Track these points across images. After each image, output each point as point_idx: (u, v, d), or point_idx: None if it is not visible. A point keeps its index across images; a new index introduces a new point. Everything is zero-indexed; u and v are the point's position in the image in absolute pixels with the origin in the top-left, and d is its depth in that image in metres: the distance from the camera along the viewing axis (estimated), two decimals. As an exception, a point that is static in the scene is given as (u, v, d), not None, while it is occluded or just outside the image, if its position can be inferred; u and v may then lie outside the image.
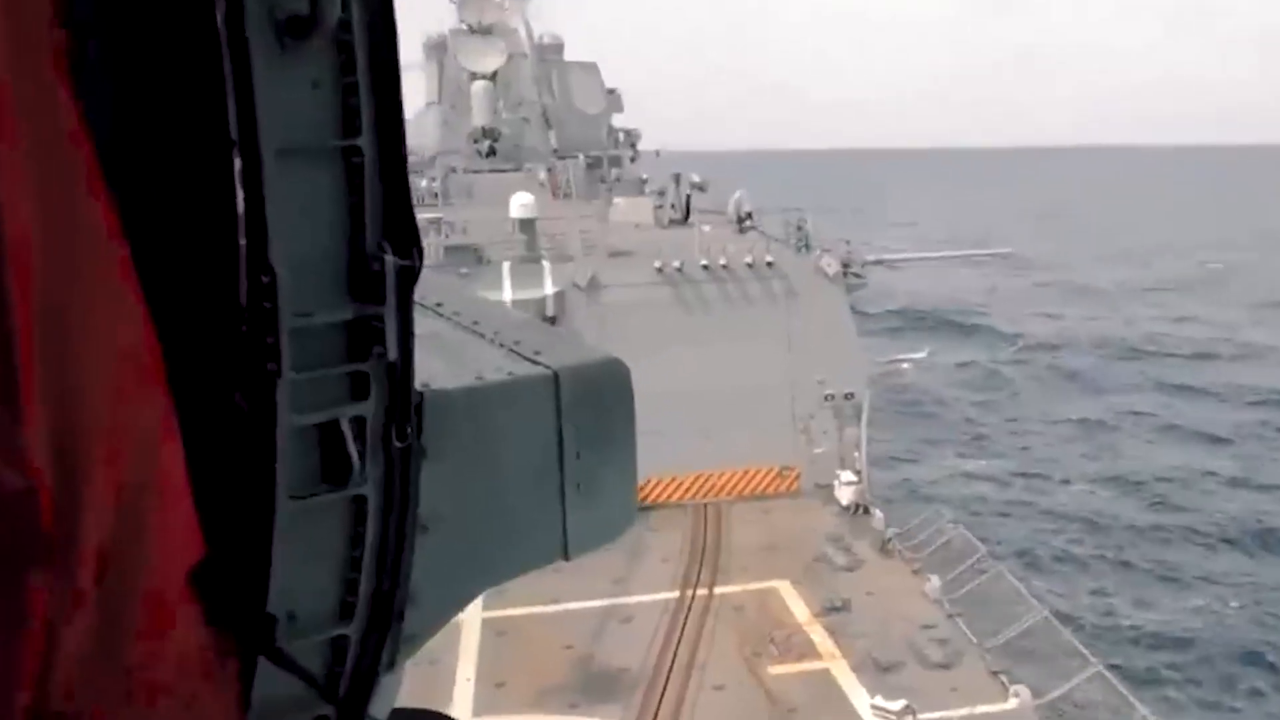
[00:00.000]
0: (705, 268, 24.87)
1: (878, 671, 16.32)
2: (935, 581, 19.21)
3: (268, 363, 1.59)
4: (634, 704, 15.66)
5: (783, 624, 18.10)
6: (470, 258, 25.04)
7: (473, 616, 19.04)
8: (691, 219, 31.98)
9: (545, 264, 24.90)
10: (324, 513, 1.77)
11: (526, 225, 25.43)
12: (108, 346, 1.43)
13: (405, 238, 1.76)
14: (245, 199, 1.53)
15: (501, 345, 2.42)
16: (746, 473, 24.46)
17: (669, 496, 24.14)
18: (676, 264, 24.75)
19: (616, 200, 35.42)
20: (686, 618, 18.37)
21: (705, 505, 23.78)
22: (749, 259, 25.00)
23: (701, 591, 19.45)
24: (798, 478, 24.59)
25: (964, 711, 14.93)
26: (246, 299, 1.55)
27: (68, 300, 1.38)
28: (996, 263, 77.17)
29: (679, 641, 17.50)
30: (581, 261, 25.08)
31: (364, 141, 1.67)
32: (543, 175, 35.94)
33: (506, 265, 24.71)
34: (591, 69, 46.79)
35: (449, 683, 16.79)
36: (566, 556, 2.39)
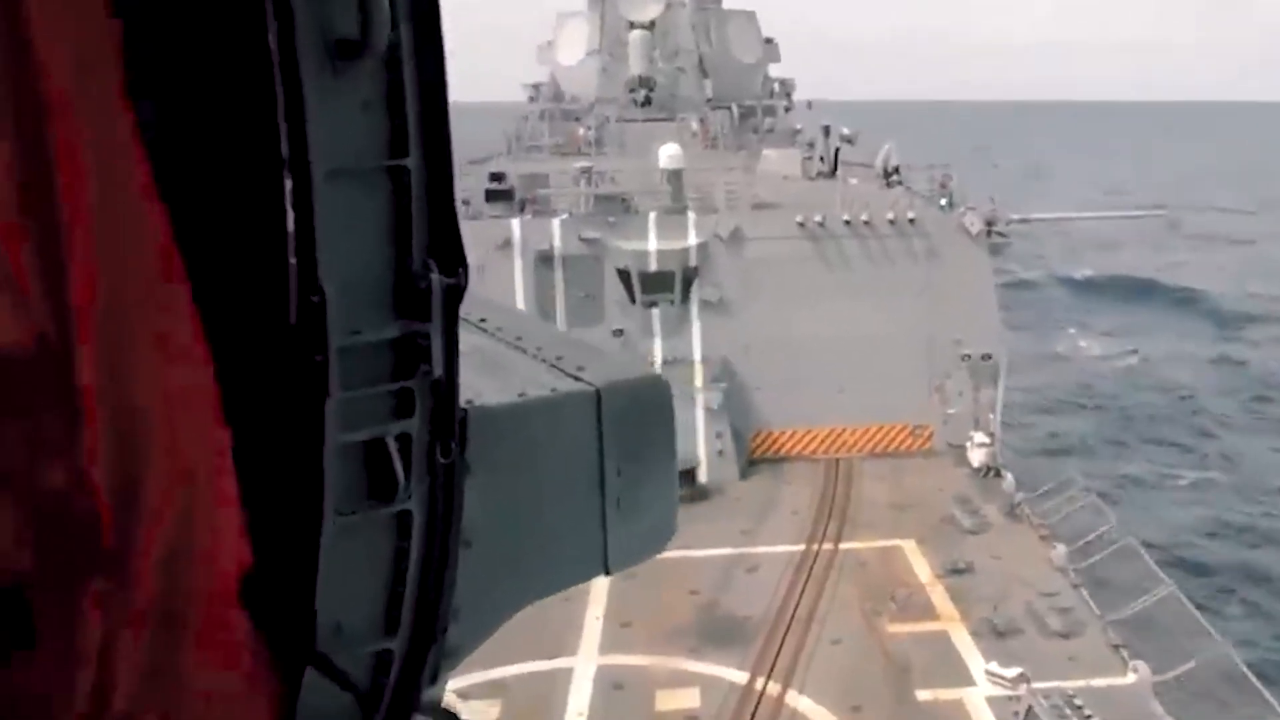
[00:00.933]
0: (847, 223, 24.68)
1: (995, 637, 16.27)
2: (1061, 549, 18.98)
3: (316, 381, 1.60)
4: (752, 652, 15.94)
5: (905, 583, 18.14)
6: (618, 207, 25.32)
7: (604, 558, 19.57)
8: (839, 172, 31.72)
9: (690, 215, 25.01)
10: (370, 528, 1.78)
11: (673, 176, 25.54)
12: (164, 363, 1.45)
13: (451, 256, 1.76)
14: (295, 218, 1.54)
15: (544, 361, 2.42)
16: (880, 429, 24.40)
17: (802, 450, 24.25)
18: (819, 218, 24.62)
19: (766, 152, 35.24)
20: (810, 571, 18.54)
21: (837, 460, 23.83)
22: (891, 215, 24.73)
23: (827, 546, 19.58)
24: (930, 437, 24.43)
25: (1080, 683, 14.80)
26: (296, 317, 1.56)
27: (128, 316, 1.41)
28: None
29: (801, 594, 17.70)
30: (725, 213, 25.13)
31: (412, 161, 1.68)
32: (695, 125, 35.92)
33: (652, 216, 24.90)
34: (749, 18, 46.37)
35: (579, 621, 17.31)
36: (607, 571, 2.39)
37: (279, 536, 1.61)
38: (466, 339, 1.92)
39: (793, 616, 16.93)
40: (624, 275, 24.36)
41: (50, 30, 1.33)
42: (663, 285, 24.41)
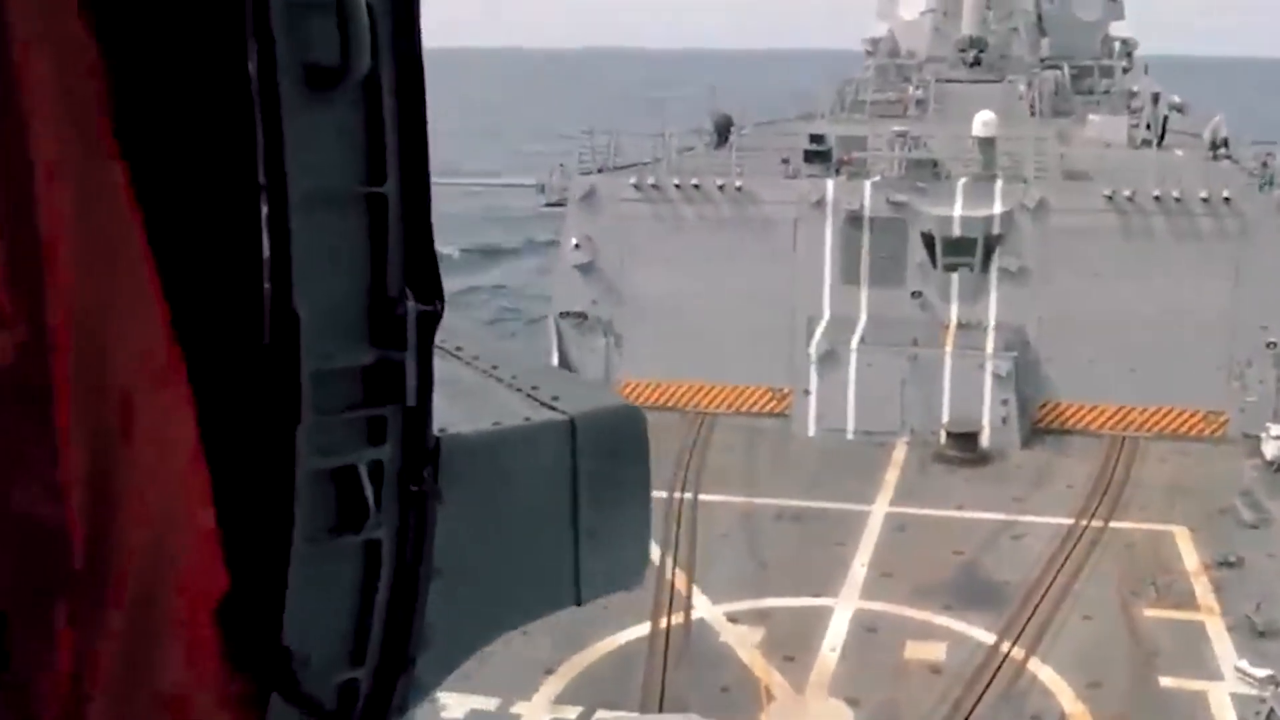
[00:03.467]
0: (1157, 199, 23.74)
1: (1253, 635, 15.89)
2: (1343, 557, 18.11)
3: (289, 406, 1.56)
4: (1003, 617, 16.28)
5: (1168, 569, 17.85)
6: (928, 173, 25.37)
7: (878, 510, 20.25)
8: (1166, 142, 30.30)
9: (998, 183, 24.74)
10: (339, 556, 1.73)
11: (985, 144, 25.24)
12: (141, 383, 1.41)
13: (428, 284, 1.73)
14: (271, 244, 1.50)
15: (519, 390, 2.36)
16: (1170, 411, 23.62)
17: (1087, 424, 23.86)
18: (1128, 193, 23.79)
19: (1092, 117, 33.90)
20: (1075, 545, 18.52)
21: (1122, 438, 23.31)
22: (1204, 193, 23.58)
23: (1096, 523, 19.40)
24: (1224, 424, 23.46)
25: (1332, 693, 14.38)
26: (269, 341, 1.52)
27: (106, 333, 1.37)
28: None
29: (1061, 567, 17.75)
30: (1034, 183, 24.72)
31: (389, 189, 1.65)
32: (1022, 88, 34.94)
33: (961, 182, 24.82)
34: (1096, -29, 44.30)
35: (846, 564, 18.14)
36: (579, 602, 2.35)
37: (251, 561, 1.56)
38: (441, 367, 1.88)
39: (1049, 588, 17.07)
40: (927, 239, 24.47)
41: (30, 44, 1.29)
42: (964, 251, 24.36)
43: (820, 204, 24.73)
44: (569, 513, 2.25)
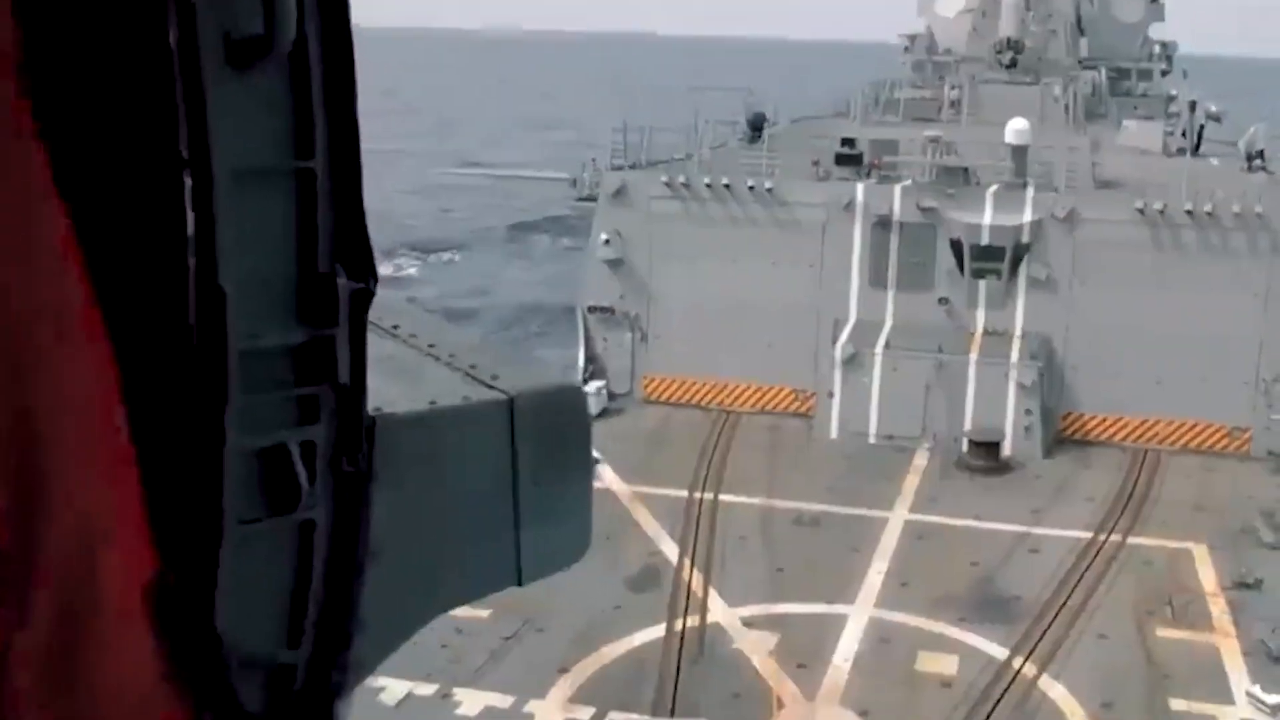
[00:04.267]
0: (1189, 213, 23.40)
1: (1269, 661, 15.70)
2: (1363, 582, 17.86)
3: (215, 385, 1.52)
4: (1016, 632, 16.16)
5: (1185, 589, 17.66)
6: (959, 178, 25.13)
7: (896, 517, 20.14)
8: (1202, 150, 29.90)
9: (1029, 191, 24.47)
10: (271, 538, 1.69)
11: (1017, 152, 24.96)
12: (64, 363, 1.37)
13: (360, 260, 1.69)
14: (195, 220, 1.46)
15: (457, 369, 2.32)
16: (1194, 426, 23.35)
17: (1110, 436, 23.63)
18: (1159, 205, 23.47)
19: (1126, 123, 33.55)
20: (1092, 561, 18.37)
21: (1145, 451, 23.07)
22: (1237, 208, 23.22)
23: (1114, 538, 19.22)
24: (1249, 441, 23.18)
25: (1344, 723, 14.22)
26: (195, 319, 1.48)
27: (26, 313, 1.32)
28: None
29: (1077, 583, 17.61)
30: (1064, 193, 24.43)
31: (318, 164, 1.61)
32: (1058, 91, 34.55)
33: (991, 189, 24.57)
34: (1137, -28, 43.75)
35: (862, 572, 18.05)
36: (520, 583, 2.32)
37: (181, 546, 1.52)
38: (377, 345, 1.84)
39: (1064, 603, 16.94)
40: (956, 246, 24.24)
41: None
42: (992, 259, 24.13)
43: (849, 207, 24.54)
44: (509, 492, 2.21)
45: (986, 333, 24.00)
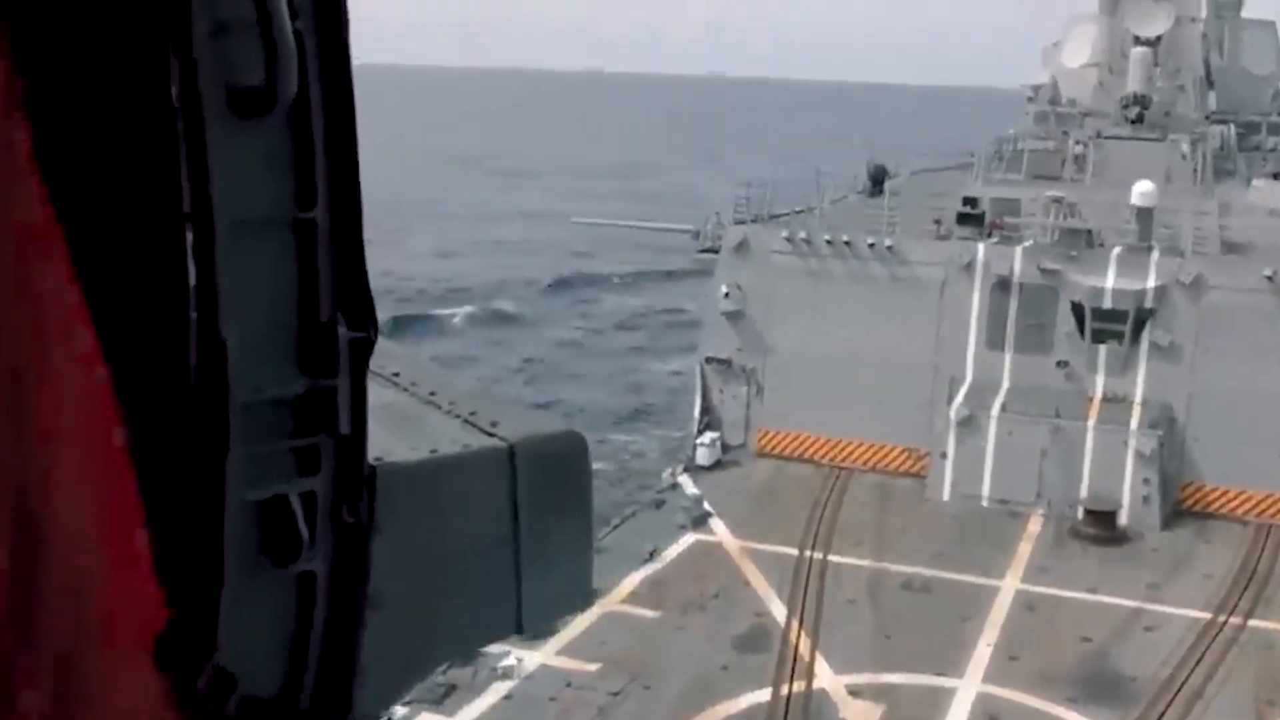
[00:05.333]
0: None
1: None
2: None
3: (217, 436, 1.51)
4: (1128, 717, 15.66)
5: (1308, 678, 16.92)
6: (1081, 241, 24.55)
7: (1008, 586, 19.67)
8: None
9: (1154, 255, 23.76)
10: (272, 589, 1.66)
11: (1143, 215, 24.25)
12: (68, 412, 1.36)
13: (360, 310, 1.67)
14: (197, 271, 1.44)
15: (457, 417, 2.26)
16: (1324, 502, 22.38)
17: (1232, 509, 22.74)
18: None
19: (1256, 182, 32.40)
20: (1211, 643, 17.69)
21: (1269, 527, 22.14)
22: None
23: (1235, 620, 18.48)
24: (1379, 521, 22.11)
25: None
26: (196, 372, 1.47)
27: (31, 360, 1.31)
28: None
29: (1195, 666, 16.97)
30: (1190, 258, 23.67)
31: (318, 214, 1.59)
32: (1185, 148, 33.49)
33: (1115, 252, 23.92)
34: (1268, 28, 42.27)
35: (971, 643, 17.67)
36: (520, 631, 2.28)
37: (183, 593, 1.50)
38: (378, 394, 1.83)
39: (1180, 688, 16.34)
40: (1077, 309, 23.66)
41: None
42: (1114, 323, 23.48)
43: (970, 267, 24.15)
44: (510, 540, 2.16)
45: (1105, 398, 23.35)
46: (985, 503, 22.94)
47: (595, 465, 2.48)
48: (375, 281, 1.71)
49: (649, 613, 18.23)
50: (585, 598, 2.39)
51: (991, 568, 20.23)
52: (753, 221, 26.14)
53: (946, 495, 23.22)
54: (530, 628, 2.26)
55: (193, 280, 1.45)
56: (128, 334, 1.41)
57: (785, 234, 25.01)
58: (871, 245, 24.55)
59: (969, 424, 23.24)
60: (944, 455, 23.36)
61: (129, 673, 1.46)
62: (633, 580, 19.27)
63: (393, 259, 58.74)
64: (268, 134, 1.52)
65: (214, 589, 1.54)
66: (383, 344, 1.76)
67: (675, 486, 23.39)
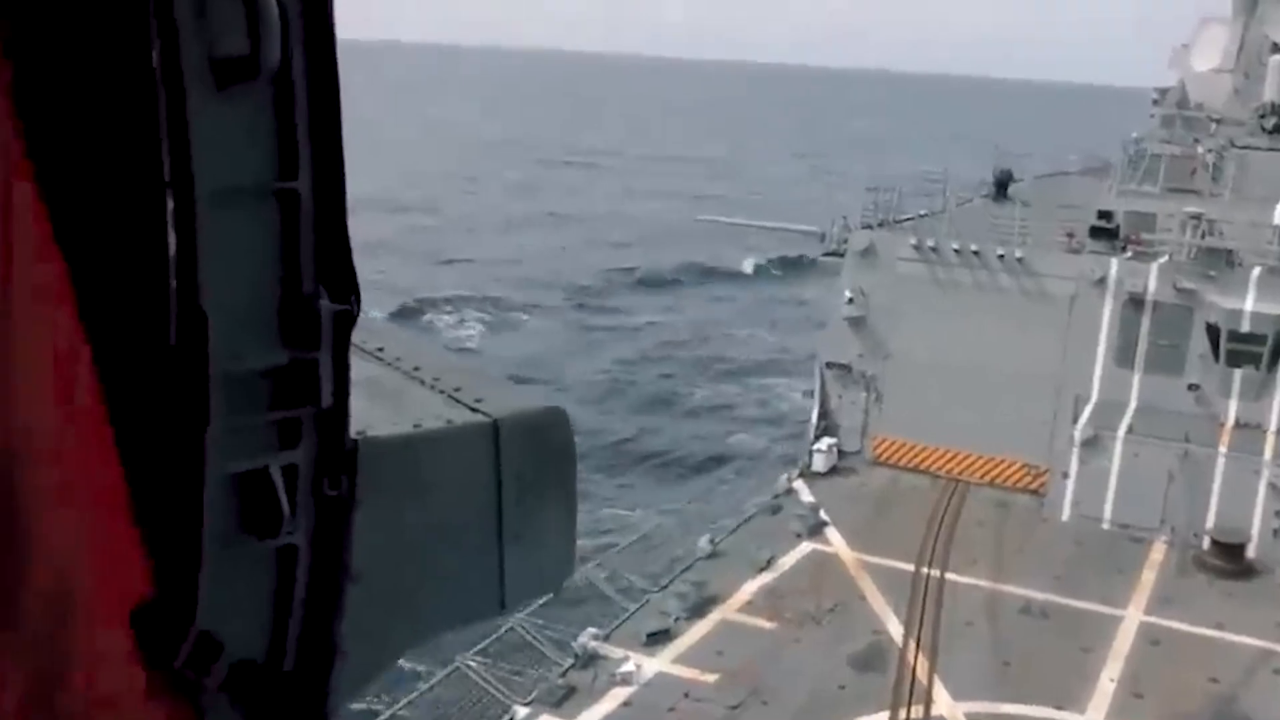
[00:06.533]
0: None
1: None
2: None
3: (196, 406, 1.48)
4: (1260, 770, 14.98)
5: None
6: (1220, 260, 23.45)
7: (1130, 617, 18.95)
8: None
9: None
10: (252, 562, 1.63)
11: (1286, 234, 23.12)
12: (50, 382, 1.34)
13: (343, 282, 1.64)
14: (177, 241, 1.41)
15: (441, 392, 2.22)
16: None
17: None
18: None
19: None
20: (1345, 692, 16.83)
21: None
22: None
23: (1370, 667, 17.60)
24: None
25: None
26: (175, 342, 1.44)
27: (13, 331, 1.29)
28: None
29: (1329, 717, 16.19)
30: None
31: (301, 184, 1.56)
32: (1330, 159, 31.78)
33: (1255, 273, 22.80)
34: None
35: (1093, 675, 17.05)
36: (504, 608, 2.23)
37: (165, 569, 1.49)
38: (361, 368, 1.80)
39: (1314, 740, 15.61)
40: (1212, 331, 22.63)
41: None
42: (1252, 346, 22.42)
43: (1102, 282, 23.22)
44: (493, 516, 2.12)
45: (1238, 425, 22.32)
46: (1106, 526, 22.16)
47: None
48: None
49: (765, 624, 17.92)
50: (568, 574, 2.33)
51: (1113, 595, 19.51)
52: (879, 225, 25.46)
53: (1066, 515, 22.47)
54: (513, 604, 2.20)
55: (173, 250, 1.42)
56: (107, 304, 1.39)
57: (913, 241, 24.31)
58: (1001, 256, 23.75)
59: (1093, 444, 22.41)
60: (1065, 475, 22.59)
61: (110, 647, 1.44)
62: (749, 588, 18.98)
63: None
64: (250, 103, 1.48)
65: (194, 563, 1.51)
66: (365, 318, 1.72)
67: (791, 492, 23.00)
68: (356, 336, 1.66)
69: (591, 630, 16.93)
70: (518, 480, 2.14)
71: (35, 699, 1.37)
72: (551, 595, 2.39)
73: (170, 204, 1.40)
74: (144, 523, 1.45)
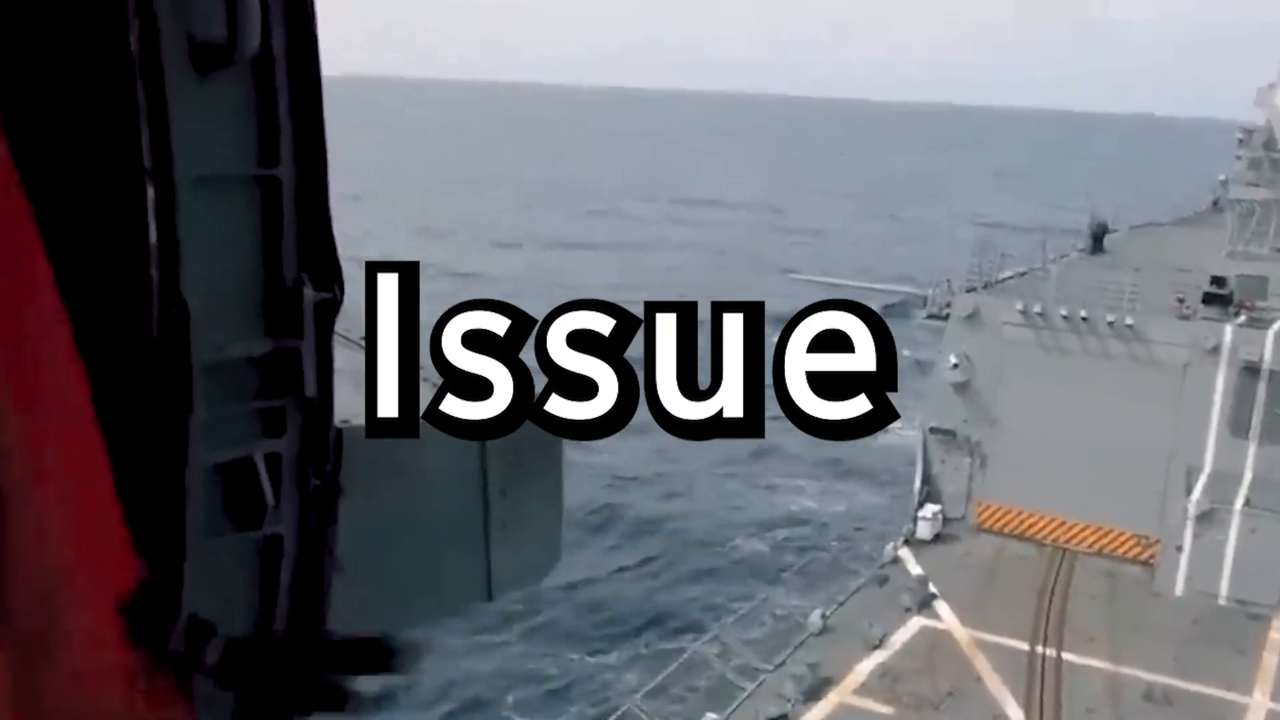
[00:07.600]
0: None
1: None
2: None
3: (178, 396, 1.44)
4: None
5: None
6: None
7: (1257, 704, 18.20)
8: None
9: None
10: (237, 552, 1.60)
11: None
12: (36, 373, 1.30)
13: (326, 270, 1.59)
14: (158, 229, 1.38)
15: (427, 381, 2.15)
16: None
17: None
18: None
19: None
20: None
21: None
22: None
23: None
24: None
25: None
26: (157, 331, 1.41)
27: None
28: None
29: None
30: None
31: (283, 171, 1.52)
32: None
33: None
34: None
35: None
36: (490, 598, 2.18)
37: (151, 560, 1.45)
38: (346, 357, 1.76)
39: None
40: (1333, 401, 21.80)
41: None
42: None
43: (1215, 350, 22.44)
44: (479, 506, 2.09)
45: None
46: (1223, 601, 21.36)
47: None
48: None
49: (883, 708, 17.42)
50: (554, 563, 2.30)
51: (1236, 679, 18.74)
52: (983, 288, 24.86)
53: (1180, 590, 21.70)
54: (500, 595, 2.17)
55: (154, 238, 1.39)
56: (89, 293, 1.35)
57: (1019, 306, 23.68)
58: (1110, 323, 23.05)
59: (1209, 517, 21.62)
60: (1179, 548, 21.81)
61: (97, 631, 1.41)
62: (863, 668, 18.48)
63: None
64: (230, 88, 1.45)
65: (179, 551, 1.48)
66: (350, 307, 1.67)
67: (897, 561, 22.45)
68: (340, 325, 1.65)
69: (711, 716, 16.54)
70: (504, 469, 2.11)
71: (22, 683, 1.34)
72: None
73: (151, 192, 1.37)
74: (129, 511, 1.41)
